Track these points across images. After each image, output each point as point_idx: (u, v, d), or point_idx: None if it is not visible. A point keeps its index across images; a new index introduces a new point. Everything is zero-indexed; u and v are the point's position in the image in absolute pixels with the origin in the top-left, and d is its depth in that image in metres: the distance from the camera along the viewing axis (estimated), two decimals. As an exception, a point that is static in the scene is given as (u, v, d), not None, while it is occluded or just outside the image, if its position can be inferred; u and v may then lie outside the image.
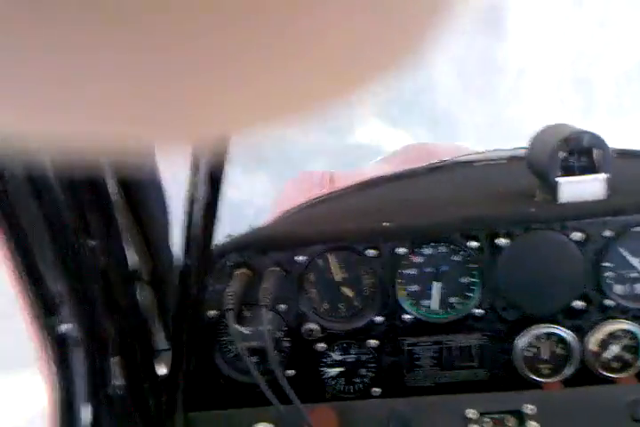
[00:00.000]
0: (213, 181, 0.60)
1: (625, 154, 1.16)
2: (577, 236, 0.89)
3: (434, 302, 0.95)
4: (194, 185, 0.61)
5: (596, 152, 0.90)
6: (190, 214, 0.66)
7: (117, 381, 0.71)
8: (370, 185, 1.24)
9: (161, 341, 0.86)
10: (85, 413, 0.69)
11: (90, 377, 0.69)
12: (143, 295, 0.77)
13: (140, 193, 0.74)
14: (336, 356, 0.98)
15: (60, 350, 0.67)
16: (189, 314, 0.79)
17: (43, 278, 0.66)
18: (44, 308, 0.64)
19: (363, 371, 0.98)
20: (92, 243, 0.67)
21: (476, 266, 0.93)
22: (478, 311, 0.93)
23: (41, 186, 0.60)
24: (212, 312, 0.96)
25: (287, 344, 0.97)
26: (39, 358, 0.69)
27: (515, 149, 1.25)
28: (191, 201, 0.64)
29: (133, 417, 0.76)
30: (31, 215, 0.63)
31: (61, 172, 0.58)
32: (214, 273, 0.94)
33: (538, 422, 0.85)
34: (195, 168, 0.58)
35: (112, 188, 0.65)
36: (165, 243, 0.79)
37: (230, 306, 0.85)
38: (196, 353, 0.95)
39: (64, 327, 0.66)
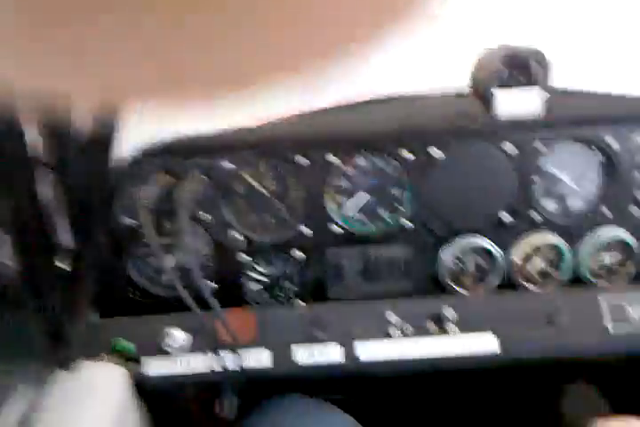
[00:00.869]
0: None
1: (566, 92, 1.16)
2: (509, 148, 0.88)
3: (351, 210, 0.92)
4: None
5: (534, 66, 0.89)
6: None
7: (11, 263, 0.65)
8: (306, 115, 1.20)
9: (68, 239, 0.79)
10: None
11: None
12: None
13: None
14: (259, 268, 0.94)
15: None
16: (96, 205, 0.72)
17: None
18: None
19: (286, 284, 0.95)
20: None
21: (408, 177, 0.90)
22: (407, 223, 0.91)
23: None
24: (127, 220, 0.90)
25: (209, 255, 0.93)
26: None
27: (462, 87, 1.23)
28: None
29: (28, 310, 0.69)
30: None
31: None
32: (134, 178, 0.87)
33: (457, 326, 0.85)
34: None
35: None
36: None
37: (145, 202, 0.79)
38: (107, 262, 0.90)
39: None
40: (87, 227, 0.74)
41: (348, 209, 0.92)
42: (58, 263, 0.74)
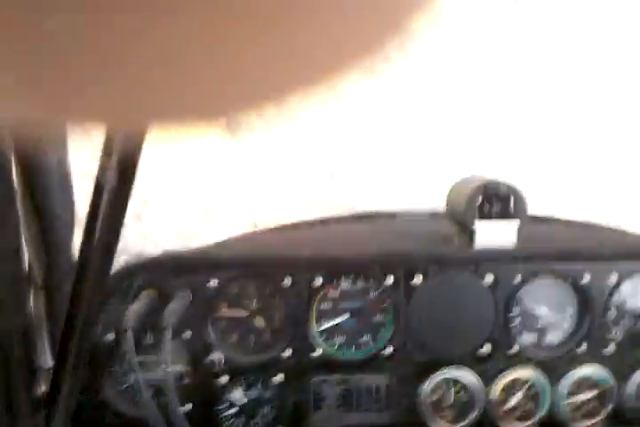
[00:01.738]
0: (125, 169, 0.56)
1: (537, 218, 1.22)
2: (489, 279, 0.91)
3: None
4: (103, 171, 0.57)
5: (512, 199, 0.94)
6: (96, 207, 0.61)
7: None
8: (291, 227, 1.23)
9: (47, 359, 0.77)
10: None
11: None
12: (36, 303, 0.70)
13: (45, 184, 0.69)
14: (238, 392, 0.92)
15: None
16: (80, 328, 0.72)
17: None
18: None
19: (265, 409, 0.93)
20: None
21: (390, 304, 0.92)
22: (388, 351, 0.92)
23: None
24: (109, 335, 0.89)
25: (187, 376, 0.91)
26: None
27: (436, 208, 1.30)
28: (99, 192, 0.60)
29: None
30: None
31: None
32: (119, 293, 0.87)
33: None
34: (107, 152, 0.54)
35: (16, 176, 0.60)
36: (66, 245, 0.73)
37: (130, 323, 0.78)
38: (84, 380, 0.87)
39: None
40: (69, 347, 0.73)
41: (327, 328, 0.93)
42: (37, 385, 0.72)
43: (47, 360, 0.77)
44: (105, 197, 0.59)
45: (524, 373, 0.93)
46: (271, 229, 1.22)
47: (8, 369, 0.67)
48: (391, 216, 1.28)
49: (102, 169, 0.57)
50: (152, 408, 0.76)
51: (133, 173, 0.56)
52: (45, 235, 0.68)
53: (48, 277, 0.71)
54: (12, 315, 0.65)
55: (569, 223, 1.19)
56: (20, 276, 0.67)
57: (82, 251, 0.66)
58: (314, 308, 0.91)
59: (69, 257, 0.74)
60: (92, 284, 0.68)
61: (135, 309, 0.82)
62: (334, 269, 0.91)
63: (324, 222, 1.25)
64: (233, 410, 0.92)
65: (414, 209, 1.32)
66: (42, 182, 0.66)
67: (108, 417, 0.90)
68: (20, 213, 0.62)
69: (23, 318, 0.69)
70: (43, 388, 0.74)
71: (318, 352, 0.91)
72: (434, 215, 1.23)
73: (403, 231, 1.15)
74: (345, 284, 0.93)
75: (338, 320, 0.93)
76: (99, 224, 0.62)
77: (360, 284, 0.93)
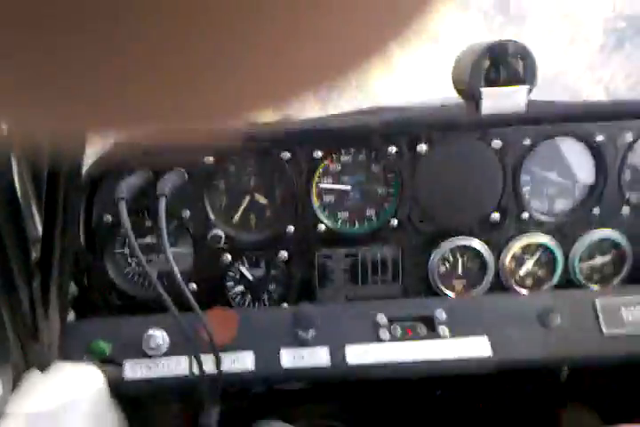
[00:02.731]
0: None
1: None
2: (496, 144, 0.87)
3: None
4: None
5: (520, 62, 0.87)
6: None
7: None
8: (294, 120, 1.19)
9: (37, 228, 0.77)
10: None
11: None
12: (20, 169, 0.68)
13: None
14: (243, 269, 0.91)
15: None
16: (63, 190, 0.70)
17: None
18: None
19: (271, 286, 0.92)
20: None
21: (394, 175, 0.88)
22: (394, 223, 0.89)
23: None
24: (107, 217, 0.88)
25: (190, 255, 0.90)
26: None
27: (444, 98, 1.23)
28: None
29: (1, 307, 0.67)
30: None
31: None
32: (113, 174, 0.85)
33: (449, 329, 0.82)
34: None
35: None
36: None
37: (122, 195, 0.76)
38: (85, 255, 0.87)
39: None
40: (57, 216, 0.72)
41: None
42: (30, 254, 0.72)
43: (38, 229, 0.76)
44: None
45: (535, 239, 0.90)
46: (272, 121, 1.18)
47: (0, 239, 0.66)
48: (398, 109, 1.23)
49: None
50: (157, 288, 0.75)
51: None
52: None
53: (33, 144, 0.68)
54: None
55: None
56: (5, 143, 0.64)
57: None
58: (314, 182, 0.88)
59: None
60: (72, 145, 0.65)
61: (129, 181, 0.80)
62: (334, 140, 0.87)
63: (329, 116, 1.20)
64: (239, 288, 0.92)
65: (425, 101, 1.26)
66: None
67: (115, 299, 0.90)
68: None
69: (9, 185, 0.67)
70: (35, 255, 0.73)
71: (322, 227, 0.89)
72: (445, 104, 1.17)
73: (409, 113, 1.09)
74: (346, 157, 0.89)
75: (340, 192, 0.90)
76: None
77: (361, 156, 0.89)
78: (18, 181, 0.69)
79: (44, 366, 0.77)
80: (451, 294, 0.91)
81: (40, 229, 0.74)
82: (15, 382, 0.73)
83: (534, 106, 0.87)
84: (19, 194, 0.70)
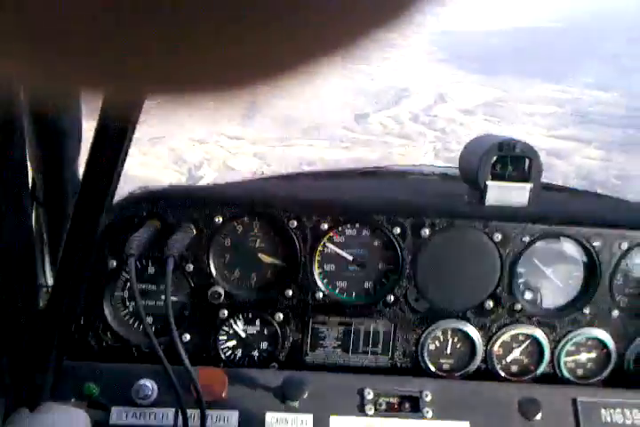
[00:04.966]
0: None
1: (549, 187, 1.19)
2: (497, 237, 0.90)
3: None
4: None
5: (527, 161, 0.92)
6: (103, 130, 0.61)
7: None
8: (300, 175, 1.24)
9: (47, 277, 0.80)
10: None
11: None
12: (37, 219, 0.72)
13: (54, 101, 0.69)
14: (237, 326, 0.94)
15: None
16: (80, 252, 0.74)
17: None
18: None
19: (263, 344, 0.95)
20: None
21: (396, 253, 0.92)
22: (390, 298, 0.92)
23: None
24: (112, 262, 0.91)
25: (188, 307, 0.93)
26: None
27: (446, 167, 1.28)
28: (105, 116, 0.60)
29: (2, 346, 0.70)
30: None
31: None
32: (123, 222, 0.89)
33: (432, 409, 0.84)
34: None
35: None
36: (72, 161, 0.73)
37: (132, 251, 0.80)
38: (88, 304, 0.90)
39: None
40: (71, 265, 0.75)
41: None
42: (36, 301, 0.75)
43: (47, 278, 0.80)
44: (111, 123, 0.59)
45: (525, 329, 0.92)
46: (279, 175, 1.23)
47: (10, 284, 0.69)
48: (400, 174, 1.27)
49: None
50: (150, 335, 0.78)
51: (140, 104, 0.56)
52: (51, 149, 0.69)
53: (51, 193, 0.72)
54: (14, 229, 0.66)
55: (582, 192, 1.17)
56: (23, 190, 0.68)
57: (87, 169, 0.67)
58: (317, 251, 0.92)
59: (75, 174, 0.75)
60: (95, 203, 0.69)
61: (138, 237, 0.83)
62: (341, 215, 0.91)
63: (331, 174, 1.25)
64: (231, 343, 0.95)
65: (424, 168, 1.30)
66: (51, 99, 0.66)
67: (109, 340, 0.93)
68: (27, 126, 0.62)
69: (25, 233, 0.70)
70: (41, 304, 0.76)
71: (319, 295, 0.92)
72: (445, 175, 1.22)
73: (412, 187, 1.14)
74: (350, 230, 0.93)
75: (341, 262, 0.93)
76: (107, 143, 0.62)
77: (365, 231, 0.93)
78: (35, 228, 0.73)
79: (34, 405, 0.79)
80: (438, 372, 0.93)
81: (49, 275, 0.78)
82: (4, 419, 0.76)
83: (536, 203, 0.92)
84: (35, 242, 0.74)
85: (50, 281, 0.78)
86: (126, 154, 0.68)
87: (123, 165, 0.67)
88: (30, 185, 0.70)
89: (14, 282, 0.68)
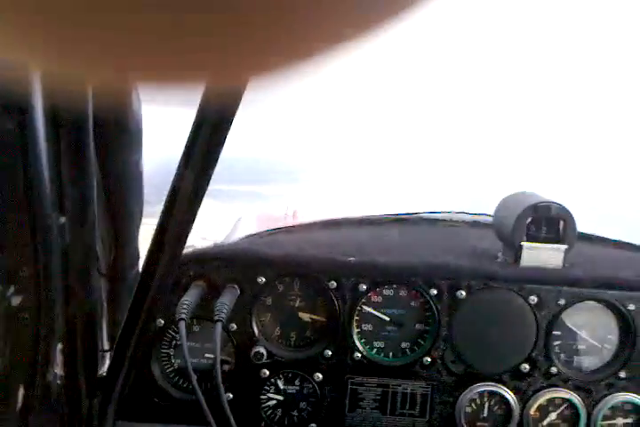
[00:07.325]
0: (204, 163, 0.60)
1: (584, 237, 1.21)
2: (532, 299, 0.92)
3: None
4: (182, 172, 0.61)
5: (561, 223, 0.94)
6: (171, 205, 0.65)
7: (57, 370, 0.68)
8: (335, 224, 1.27)
9: (104, 343, 0.83)
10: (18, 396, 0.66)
11: (31, 359, 0.66)
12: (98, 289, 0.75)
13: (120, 186, 0.74)
14: (278, 385, 0.96)
15: (7, 323, 0.64)
16: (143, 317, 0.77)
17: (3, 246, 0.64)
18: (2, 274, 0.62)
19: (303, 404, 0.96)
20: (62, 220, 0.66)
21: (433, 314, 0.94)
22: (427, 359, 0.94)
23: (31, 150, 0.60)
24: (160, 321, 0.94)
25: (231, 366, 0.95)
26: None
27: (478, 214, 1.31)
28: (176, 190, 0.64)
29: (63, 412, 0.72)
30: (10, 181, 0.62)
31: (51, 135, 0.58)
32: (172, 283, 0.92)
33: None
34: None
35: (94, 166, 0.65)
36: (133, 238, 0.78)
37: (183, 315, 0.83)
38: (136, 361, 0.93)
39: (16, 300, 0.63)
40: (131, 333, 0.78)
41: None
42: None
43: (104, 344, 0.83)
44: (180, 196, 0.63)
45: (561, 394, 0.93)
46: (313, 224, 1.25)
47: (74, 352, 0.72)
48: (432, 222, 1.30)
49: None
50: (197, 393, 0.80)
51: (210, 175, 0.60)
52: (116, 231, 0.73)
53: (113, 267, 0.76)
54: (82, 302, 0.70)
55: (614, 244, 1.19)
56: (91, 268, 0.72)
57: (154, 242, 0.70)
58: (356, 311, 0.94)
59: (135, 249, 0.79)
60: (159, 275, 0.73)
61: (187, 300, 0.86)
62: (380, 276, 0.94)
63: (365, 221, 1.27)
64: (272, 402, 0.96)
65: (455, 215, 1.33)
66: (118, 185, 0.71)
67: (155, 397, 0.95)
68: (96, 212, 0.67)
69: (91, 305, 0.74)
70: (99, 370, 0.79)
71: (357, 355, 0.94)
72: (475, 223, 1.25)
73: (445, 243, 1.16)
74: (388, 291, 0.95)
75: (378, 322, 0.95)
76: (172, 219, 0.66)
77: (403, 292, 0.95)
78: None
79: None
80: (474, 435, 0.94)
81: (106, 340, 0.80)
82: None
83: (571, 264, 0.94)
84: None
85: (105, 345, 0.81)
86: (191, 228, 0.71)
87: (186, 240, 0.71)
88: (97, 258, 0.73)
89: (77, 349, 0.71)
